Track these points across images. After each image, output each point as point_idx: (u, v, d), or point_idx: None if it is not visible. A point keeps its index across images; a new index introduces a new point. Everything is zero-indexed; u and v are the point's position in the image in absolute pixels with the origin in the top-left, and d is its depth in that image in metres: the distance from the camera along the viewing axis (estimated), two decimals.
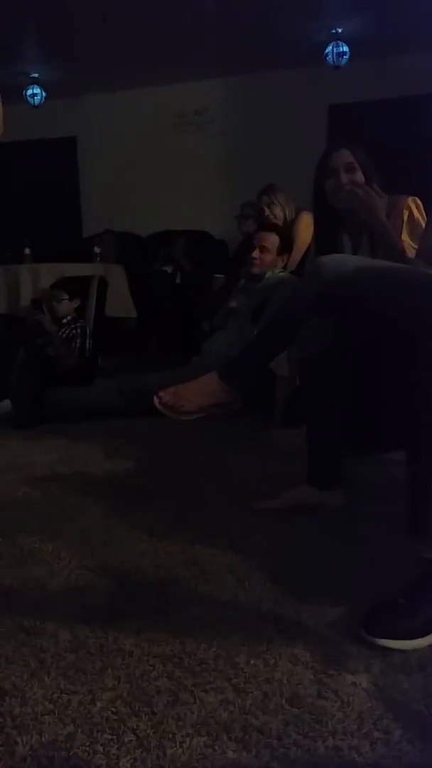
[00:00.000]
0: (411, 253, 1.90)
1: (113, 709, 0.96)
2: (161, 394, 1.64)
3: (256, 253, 2.91)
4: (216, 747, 0.89)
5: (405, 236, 1.97)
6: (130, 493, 1.92)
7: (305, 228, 3.14)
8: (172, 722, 0.93)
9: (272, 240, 2.92)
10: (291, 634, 1.14)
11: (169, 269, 5.38)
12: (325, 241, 2.09)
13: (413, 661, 1.06)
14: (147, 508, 1.77)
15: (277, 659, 1.07)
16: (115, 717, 0.95)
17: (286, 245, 2.96)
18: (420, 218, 1.94)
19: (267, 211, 3.29)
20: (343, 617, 1.19)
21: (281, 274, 2.90)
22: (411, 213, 1.97)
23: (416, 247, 1.88)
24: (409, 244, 1.95)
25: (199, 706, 0.97)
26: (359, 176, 2.02)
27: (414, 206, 1.96)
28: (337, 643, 1.12)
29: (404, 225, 1.97)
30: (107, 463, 2.22)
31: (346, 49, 5.12)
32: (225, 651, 1.10)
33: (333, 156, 2.06)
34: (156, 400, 1.64)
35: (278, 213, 3.28)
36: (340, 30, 5.03)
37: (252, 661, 1.07)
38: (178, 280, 5.33)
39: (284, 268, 2.97)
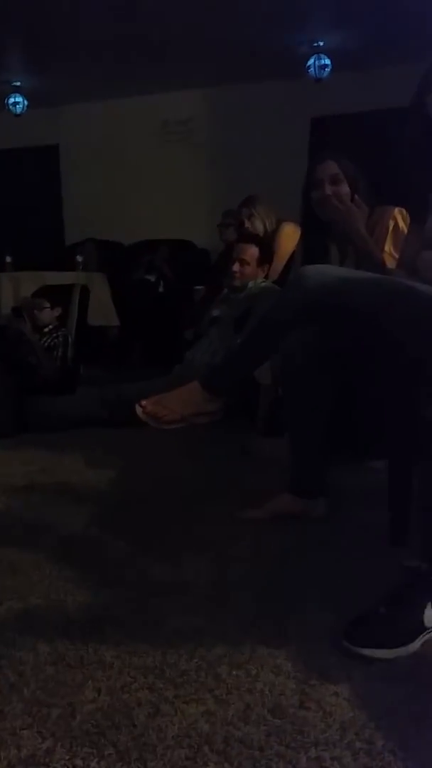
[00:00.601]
0: (392, 264, 1.92)
1: (93, 722, 0.95)
2: (144, 403, 1.63)
3: (236, 267, 2.92)
4: (197, 759, 0.88)
5: (389, 246, 1.99)
6: (111, 503, 1.91)
7: (287, 238, 3.16)
8: (153, 734, 0.92)
9: (252, 252, 2.93)
10: (273, 645, 1.14)
11: (152, 278, 5.38)
12: (312, 251, 2.10)
13: (395, 670, 1.06)
14: (129, 518, 1.76)
15: (259, 670, 1.07)
16: (95, 730, 0.94)
17: (266, 256, 2.97)
18: (404, 229, 1.96)
19: (247, 223, 3.31)
20: (325, 627, 1.19)
21: (263, 283, 2.92)
22: (396, 224, 2.00)
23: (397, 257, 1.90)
24: (390, 255, 1.97)
25: (180, 718, 0.96)
26: (344, 188, 2.04)
27: (400, 217, 1.98)
28: (320, 652, 1.11)
29: (388, 235, 1.99)
30: (89, 472, 2.21)
31: (327, 62, 5.18)
32: (207, 662, 1.09)
33: (319, 167, 2.08)
34: (138, 410, 1.63)
35: (258, 225, 3.29)
36: (322, 43, 5.09)
37: (234, 672, 1.06)
38: (161, 289, 5.33)
39: (266, 277, 2.99)
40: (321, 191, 2.01)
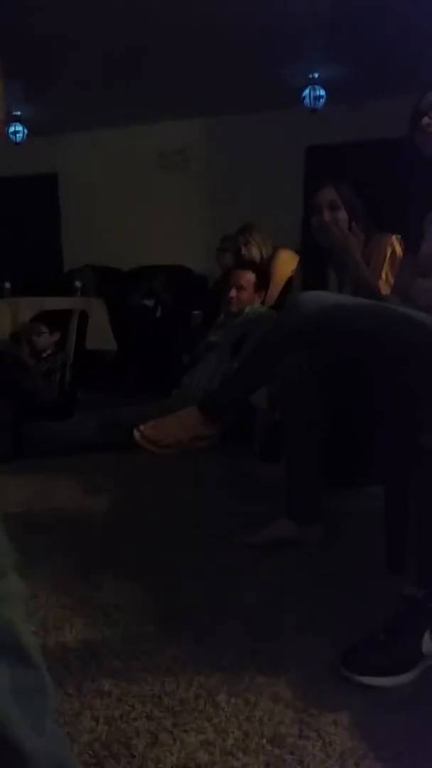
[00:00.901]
0: (388, 291, 1.95)
1: (91, 752, 0.94)
2: (141, 427, 1.64)
3: (232, 293, 2.98)
4: None
5: (386, 273, 2.02)
6: (107, 530, 1.90)
7: (283, 264, 3.21)
8: (152, 765, 0.92)
9: (248, 278, 2.99)
10: (272, 672, 1.13)
11: (150, 303, 5.42)
12: (311, 276, 2.14)
13: (394, 698, 1.06)
14: (125, 545, 1.75)
15: (257, 698, 1.06)
16: (93, 760, 0.93)
17: (263, 282, 3.03)
18: (401, 256, 2.00)
19: (243, 250, 3.38)
20: (324, 654, 1.18)
21: (260, 309, 2.95)
22: (393, 250, 2.03)
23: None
24: (387, 281, 2.00)
25: (179, 748, 0.95)
26: (342, 214, 2.08)
27: (397, 244, 2.02)
28: (319, 680, 1.11)
29: (386, 262, 2.03)
30: (85, 498, 2.20)
31: (322, 93, 5.29)
32: (205, 690, 1.08)
33: (317, 194, 2.12)
34: (136, 434, 1.64)
35: (254, 252, 3.37)
36: (317, 75, 5.21)
37: (233, 700, 1.06)
38: (158, 314, 5.36)
39: (262, 303, 3.02)
40: (320, 217, 2.05)
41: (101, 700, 1.06)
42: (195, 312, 4.30)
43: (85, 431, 2.91)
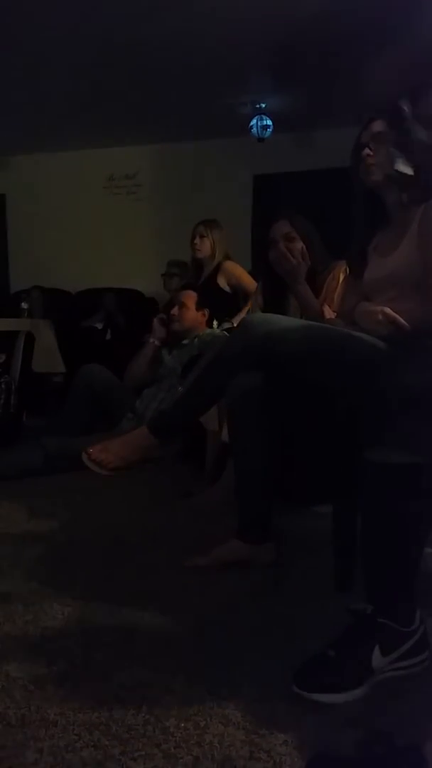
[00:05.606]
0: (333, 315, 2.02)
1: None
2: (89, 449, 1.62)
3: (175, 310, 3.03)
4: None
5: (338, 297, 2.11)
6: (54, 555, 1.85)
7: (241, 272, 3.30)
8: None
9: (191, 297, 3.07)
10: (222, 694, 1.11)
11: (99, 325, 5.39)
12: (272, 302, 2.23)
13: (345, 715, 1.05)
14: (72, 570, 1.70)
15: (208, 721, 1.04)
16: None
17: (204, 301, 3.08)
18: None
19: (197, 240, 3.38)
20: (274, 673, 1.17)
21: (215, 331, 3.01)
22: (346, 276, 2.11)
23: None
24: (336, 305, 2.09)
25: None
26: (298, 245, 2.17)
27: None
28: (269, 700, 1.10)
29: (339, 286, 2.12)
30: (30, 523, 2.14)
31: (269, 122, 5.44)
32: (154, 715, 1.06)
33: (273, 227, 2.21)
34: (84, 456, 1.62)
35: (207, 246, 3.37)
36: (264, 105, 5.36)
37: (182, 725, 1.03)
38: (108, 336, 5.33)
39: (207, 321, 3.10)
40: (276, 250, 2.13)
41: (46, 730, 1.02)
42: (146, 336, 4.30)
43: (32, 461, 2.82)
